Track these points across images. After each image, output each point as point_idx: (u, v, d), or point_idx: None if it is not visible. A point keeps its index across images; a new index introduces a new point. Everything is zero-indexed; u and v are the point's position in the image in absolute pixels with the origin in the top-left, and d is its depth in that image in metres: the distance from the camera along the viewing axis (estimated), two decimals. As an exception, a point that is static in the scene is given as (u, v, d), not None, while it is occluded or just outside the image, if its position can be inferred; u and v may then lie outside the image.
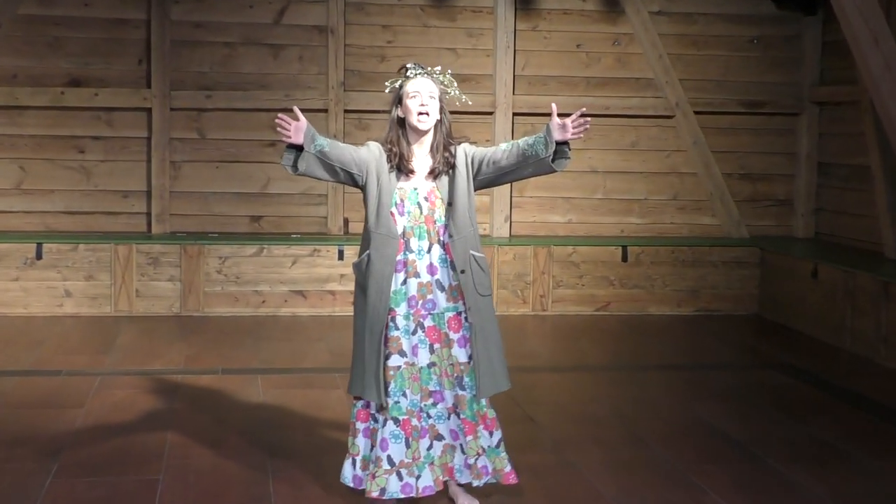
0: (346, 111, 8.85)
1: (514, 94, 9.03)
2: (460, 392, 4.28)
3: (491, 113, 8.95)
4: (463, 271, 4.25)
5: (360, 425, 4.35)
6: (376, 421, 4.31)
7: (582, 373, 6.86)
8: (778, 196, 9.46)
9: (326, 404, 5.93)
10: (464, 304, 4.27)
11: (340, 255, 8.46)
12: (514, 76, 9.02)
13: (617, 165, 9.27)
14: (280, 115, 4.18)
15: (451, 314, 4.27)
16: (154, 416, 5.65)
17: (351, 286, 8.37)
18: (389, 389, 4.24)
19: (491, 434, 4.33)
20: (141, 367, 6.72)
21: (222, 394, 6.14)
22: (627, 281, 8.84)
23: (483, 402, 4.30)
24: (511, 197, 9.10)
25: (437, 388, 4.29)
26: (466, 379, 4.27)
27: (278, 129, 4.18)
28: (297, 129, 4.17)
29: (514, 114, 9.01)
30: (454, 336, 4.27)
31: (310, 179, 8.97)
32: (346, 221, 8.94)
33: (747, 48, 9.31)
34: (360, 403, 4.35)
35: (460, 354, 4.27)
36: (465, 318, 4.28)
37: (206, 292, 8.33)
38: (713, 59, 9.29)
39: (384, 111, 8.78)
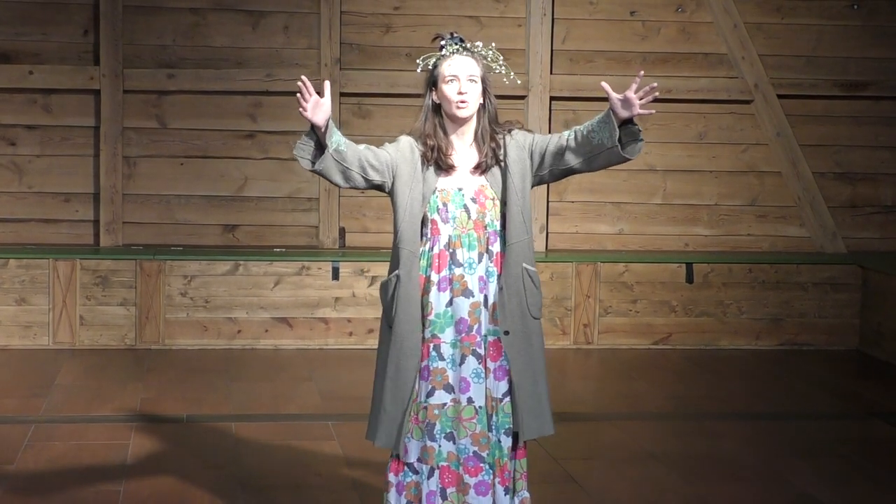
0: (342, 94, 8.89)
1: (551, 73, 9.06)
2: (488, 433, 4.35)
3: (523, 97, 8.98)
4: (501, 289, 4.32)
5: (392, 478, 4.42)
6: (416, 472, 4.38)
7: (636, 421, 6.85)
8: (884, 201, 9.45)
9: (317, 459, 5.94)
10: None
11: (335, 274, 8.49)
12: (551, 51, 9.05)
13: (680, 162, 9.28)
14: (303, 78, 4.18)
15: (493, 338, 4.36)
16: (102, 473, 5.66)
17: (348, 312, 8.43)
18: (435, 432, 4.31)
19: (505, 492, 4.36)
20: (86, 412, 6.74)
21: (188, 446, 6.15)
22: (693, 307, 8.84)
23: (505, 449, 4.34)
24: (548, 201, 9.12)
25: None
26: (496, 418, 4.33)
27: (298, 94, 4.18)
28: (319, 105, 4.19)
29: (552, 97, 9.04)
30: (492, 365, 4.35)
31: (296, 180, 9.11)
32: (342, 232, 8.98)
33: (846, 15, 9.31)
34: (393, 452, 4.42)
35: (496, 388, 4.34)
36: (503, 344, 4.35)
37: (168, 320, 8.37)
38: (802, 29, 9.30)
39: (390, 94, 8.93)
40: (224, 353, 8.27)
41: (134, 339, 8.32)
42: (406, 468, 4.38)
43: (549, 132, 8.88)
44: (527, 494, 4.44)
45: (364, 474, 5.66)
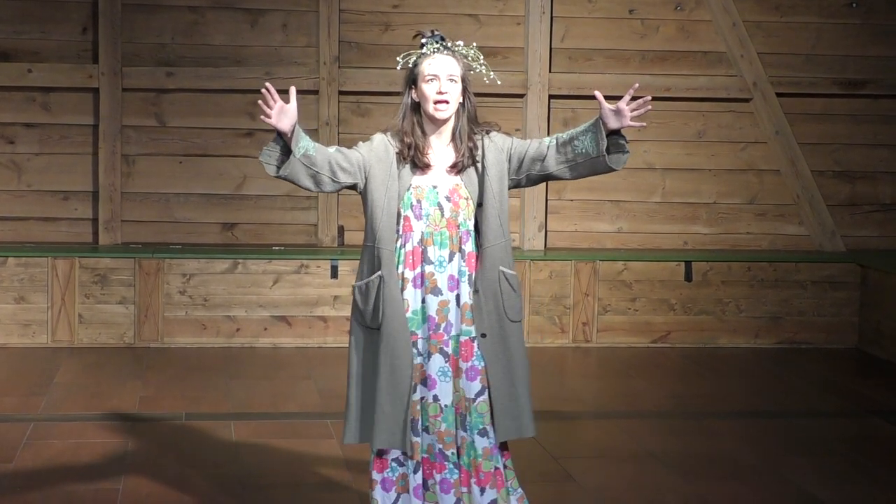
0: (341, 92, 8.89)
1: (550, 71, 9.05)
2: (461, 433, 4.36)
3: (521, 95, 8.98)
4: (477, 291, 4.33)
5: (376, 475, 4.42)
6: (402, 465, 4.40)
7: (635, 420, 6.85)
8: (882, 199, 9.45)
9: (315, 457, 5.94)
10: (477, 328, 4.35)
11: (334, 273, 8.49)
12: (550, 49, 9.04)
13: (679, 161, 9.27)
14: (267, 84, 4.18)
15: (465, 338, 4.36)
16: (101, 471, 5.66)
17: (347, 311, 8.38)
18: (418, 427, 4.33)
19: (482, 492, 4.36)
20: (85, 410, 6.74)
21: (186, 444, 6.16)
22: (692, 305, 8.84)
23: (479, 450, 4.35)
24: (547, 200, 9.11)
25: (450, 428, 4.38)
26: (469, 418, 4.34)
27: (260, 101, 4.19)
28: (284, 112, 4.18)
29: (551, 96, 9.03)
30: (464, 365, 4.35)
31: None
32: (340, 230, 8.98)
33: (845, 13, 9.31)
34: (375, 449, 4.41)
35: (468, 388, 4.35)
36: (478, 346, 4.35)
37: (167, 318, 8.36)
38: (801, 27, 9.30)
39: (388, 93, 8.92)
40: (223, 351, 8.27)
41: (133, 337, 8.32)
42: (392, 463, 4.39)
43: (549, 130, 8.90)
44: (521, 491, 4.46)
45: (363, 472, 5.65)
